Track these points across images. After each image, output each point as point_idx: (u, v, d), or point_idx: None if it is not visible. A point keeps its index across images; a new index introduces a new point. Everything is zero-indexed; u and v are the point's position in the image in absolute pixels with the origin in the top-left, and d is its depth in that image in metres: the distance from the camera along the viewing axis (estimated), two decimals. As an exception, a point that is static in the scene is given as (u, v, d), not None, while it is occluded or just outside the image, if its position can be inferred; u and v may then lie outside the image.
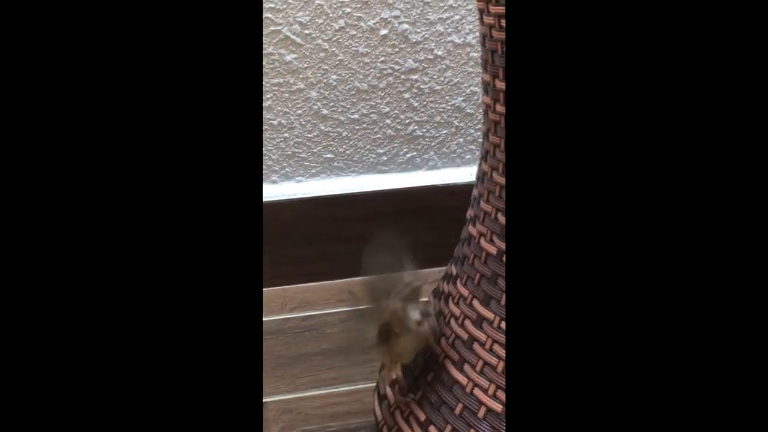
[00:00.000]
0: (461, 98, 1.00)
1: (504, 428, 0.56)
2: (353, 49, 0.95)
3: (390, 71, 0.97)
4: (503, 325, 0.58)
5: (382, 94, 0.98)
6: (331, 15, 0.94)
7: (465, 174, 1.02)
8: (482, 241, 0.61)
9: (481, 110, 0.99)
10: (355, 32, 0.95)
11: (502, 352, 0.57)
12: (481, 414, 0.57)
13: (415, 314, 0.58)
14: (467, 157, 1.02)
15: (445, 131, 1.01)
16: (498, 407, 0.56)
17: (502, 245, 0.58)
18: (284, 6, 0.92)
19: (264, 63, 0.94)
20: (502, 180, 0.59)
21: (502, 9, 0.54)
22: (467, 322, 0.61)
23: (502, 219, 0.59)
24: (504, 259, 0.58)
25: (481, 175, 0.64)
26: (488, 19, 0.57)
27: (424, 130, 1.00)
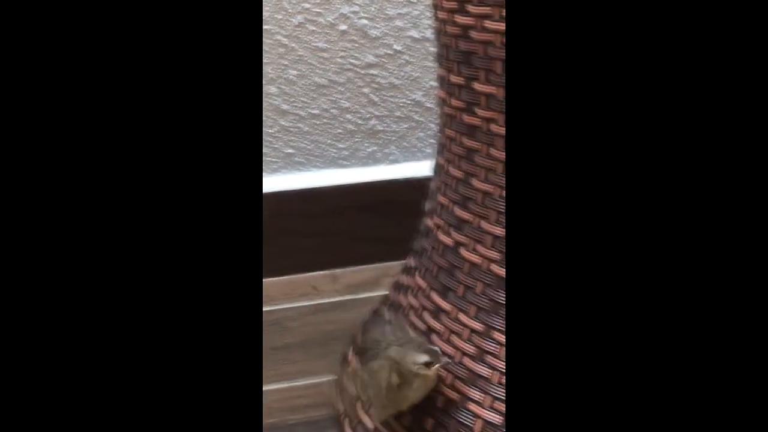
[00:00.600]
0: (421, 93, 1.01)
1: (458, 418, 0.57)
2: (312, 44, 0.96)
3: (349, 66, 0.98)
4: (460, 316, 0.59)
5: (342, 89, 0.98)
6: (290, 11, 0.94)
7: (426, 168, 1.01)
8: (439, 234, 0.62)
9: (440, 105, 1.00)
10: (314, 28, 0.95)
11: (460, 343, 0.58)
12: (439, 403, 0.58)
13: (420, 358, 0.56)
14: (427, 150, 1.03)
15: (405, 125, 1.02)
16: (454, 395, 0.57)
17: (459, 237, 0.59)
18: None
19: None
20: (458, 173, 0.59)
21: (454, 4, 0.55)
22: (425, 314, 0.62)
23: (458, 211, 0.60)
24: (461, 251, 0.59)
25: (438, 169, 0.65)
26: (442, 15, 0.57)
27: (385, 124, 1.01)
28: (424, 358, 0.55)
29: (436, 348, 0.58)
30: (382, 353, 0.59)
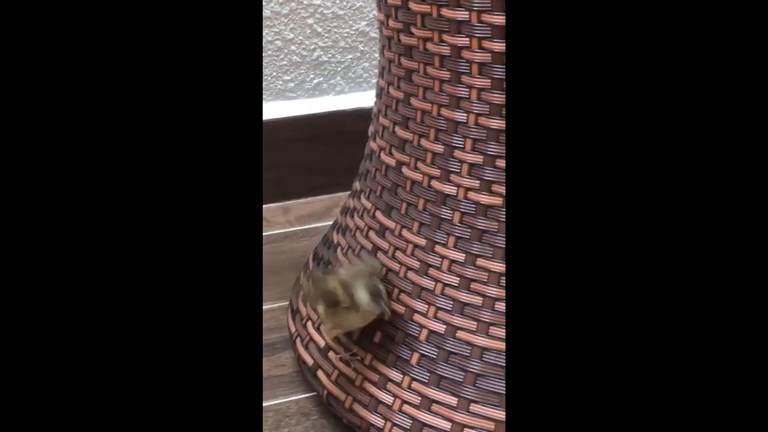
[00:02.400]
0: (365, 22, 1.00)
1: (404, 329, 0.59)
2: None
3: (292, -3, 0.97)
4: (404, 232, 0.60)
5: (286, 20, 0.98)
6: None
7: (372, 98, 1.02)
8: (382, 155, 0.63)
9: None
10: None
11: (404, 258, 0.59)
12: (386, 317, 0.60)
13: (364, 294, 0.56)
14: (373, 81, 1.03)
15: (350, 56, 1.02)
16: (401, 309, 0.59)
17: (401, 156, 0.60)
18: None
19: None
20: (399, 94, 0.60)
21: None
22: (371, 233, 0.64)
23: (399, 132, 0.60)
24: (402, 169, 0.60)
25: (379, 91, 0.65)
26: None
27: (330, 55, 1.01)
28: (368, 301, 0.56)
29: (381, 288, 0.58)
30: (332, 273, 0.60)
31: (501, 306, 0.54)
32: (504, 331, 0.54)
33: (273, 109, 1.01)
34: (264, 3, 0.96)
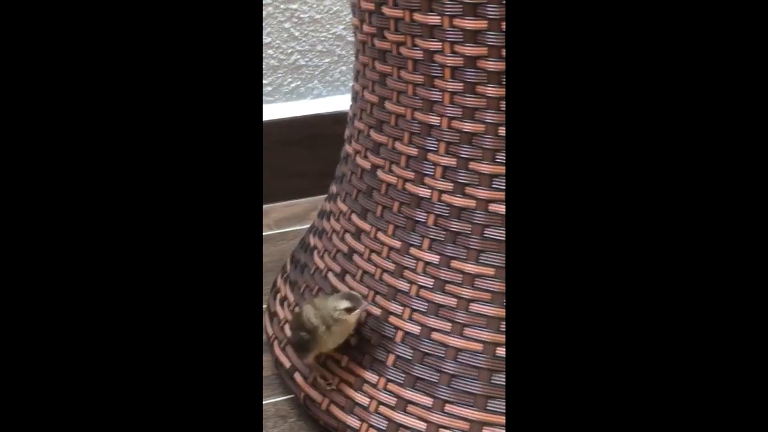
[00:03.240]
0: (342, 26, 1.01)
1: (380, 331, 0.59)
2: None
3: (269, 1, 0.97)
4: (379, 235, 0.60)
5: (263, 24, 0.98)
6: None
7: (349, 101, 1.03)
8: (358, 158, 0.64)
9: (361, 38, 1.00)
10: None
11: (379, 261, 0.60)
12: (362, 319, 0.60)
13: (342, 303, 0.57)
14: (350, 84, 1.03)
15: (327, 60, 1.02)
16: (376, 311, 0.60)
17: (375, 160, 0.61)
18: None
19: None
20: (373, 98, 0.60)
21: None
22: (347, 236, 0.64)
23: (374, 135, 0.61)
24: (377, 173, 0.60)
25: (355, 95, 0.65)
26: None
27: (307, 59, 1.01)
28: (345, 303, 0.57)
29: (357, 294, 0.59)
30: (307, 301, 0.61)
31: (475, 307, 0.55)
32: (478, 332, 0.55)
33: (274, 112, 1.01)
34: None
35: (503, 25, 0.50)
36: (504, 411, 0.54)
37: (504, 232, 0.54)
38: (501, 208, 0.53)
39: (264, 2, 0.97)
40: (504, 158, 0.53)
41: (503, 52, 0.50)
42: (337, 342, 0.58)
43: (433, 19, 0.52)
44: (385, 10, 0.56)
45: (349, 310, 0.57)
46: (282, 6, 0.97)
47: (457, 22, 0.51)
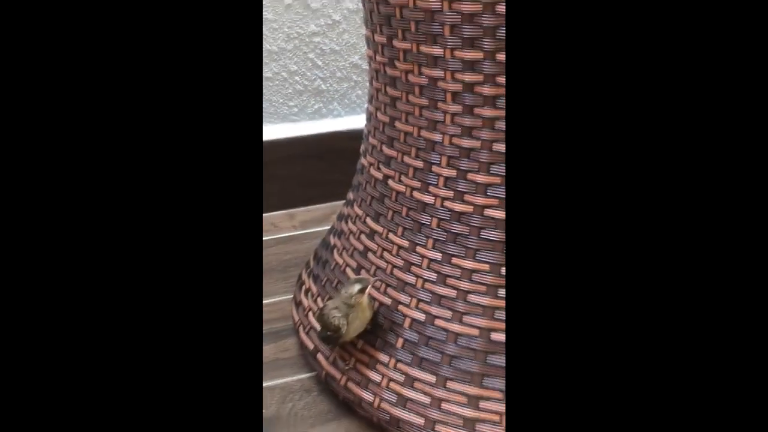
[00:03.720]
0: (357, 56, 1.01)
1: (391, 318, 0.59)
2: (264, 17, 0.95)
3: (296, 35, 0.97)
4: (390, 235, 0.60)
5: (290, 54, 0.98)
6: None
7: (364, 121, 1.03)
8: (371, 170, 0.64)
9: (375, 66, 1.00)
10: (264, 2, 0.94)
11: (390, 258, 0.60)
12: (376, 308, 0.60)
13: (353, 288, 0.57)
14: (365, 106, 1.03)
15: (345, 85, 1.02)
16: (387, 300, 0.60)
17: (387, 171, 0.61)
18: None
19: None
20: (385, 118, 0.60)
21: None
22: (362, 236, 0.64)
23: (386, 150, 0.61)
24: (389, 182, 0.60)
25: (369, 115, 0.65)
26: None
27: (328, 84, 1.01)
28: (357, 286, 0.57)
29: (363, 276, 0.60)
30: (329, 302, 0.60)
31: (472, 298, 0.55)
32: (475, 319, 0.55)
33: (280, 131, 1.00)
34: (272, 40, 0.96)
35: (498, 56, 0.50)
36: (498, 387, 0.54)
37: (498, 233, 0.54)
38: (495, 213, 0.53)
39: (291, 36, 0.97)
40: (497, 170, 0.53)
41: (497, 79, 0.50)
42: (358, 331, 0.58)
43: (437, 51, 0.53)
44: (396, 42, 0.56)
45: (361, 291, 0.56)
46: (307, 39, 0.97)
47: (457, 53, 0.51)
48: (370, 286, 0.57)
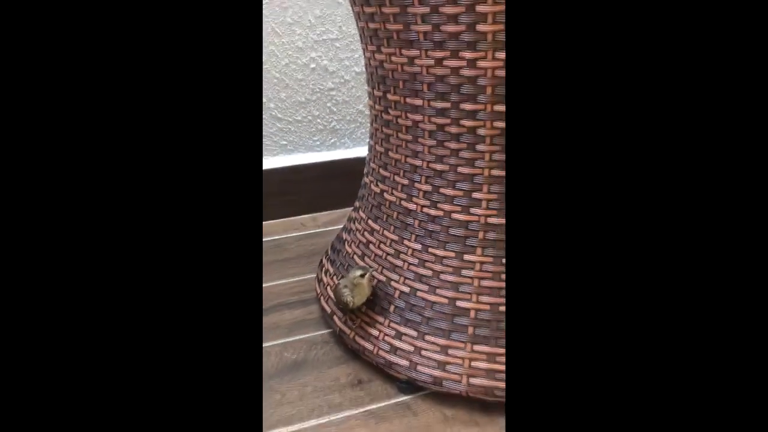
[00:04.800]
0: (362, 105, 1.01)
1: (385, 291, 0.58)
2: (295, 77, 0.95)
3: (318, 90, 0.97)
4: (385, 232, 0.60)
5: (314, 104, 0.98)
6: (279, 56, 0.93)
7: (366, 151, 1.02)
8: (372, 186, 0.63)
9: (374, 112, 1.00)
10: (295, 66, 0.94)
11: (385, 248, 0.59)
12: (374, 284, 0.60)
13: (357, 272, 0.56)
14: (368, 140, 1.03)
15: (353, 125, 1.02)
16: (383, 278, 0.59)
17: (383, 187, 0.60)
18: (250, 51, 0.91)
19: (240, 87, 0.93)
20: (381, 149, 0.60)
21: (374, 47, 0.55)
22: (365, 233, 0.64)
23: (382, 172, 0.60)
24: (384, 194, 0.60)
25: (370, 147, 0.65)
26: (367, 54, 0.58)
27: (341, 125, 1.01)
28: (359, 272, 0.57)
29: (365, 266, 0.60)
30: (341, 281, 0.60)
31: (443, 276, 0.55)
32: (445, 291, 0.54)
33: (307, 158, 1.00)
34: (301, 93, 0.96)
35: (462, 105, 0.50)
36: (461, 339, 0.54)
37: (461, 230, 0.54)
38: (459, 216, 0.53)
39: (314, 91, 0.97)
40: (461, 186, 0.53)
41: (461, 122, 0.51)
42: (361, 302, 0.58)
43: (418, 102, 0.53)
44: (389, 96, 0.56)
45: (362, 276, 0.56)
46: (326, 93, 0.97)
47: (432, 103, 0.52)
48: (369, 273, 0.57)
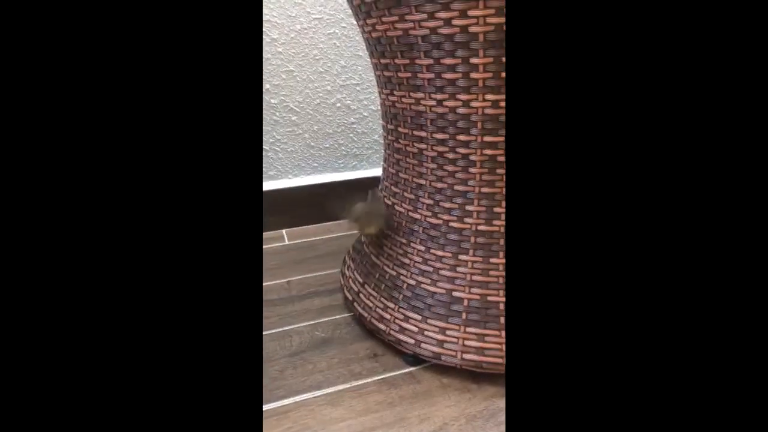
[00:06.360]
0: (377, 136, 1.00)
1: (397, 282, 0.58)
2: (324, 113, 0.95)
3: (342, 124, 0.97)
4: (396, 237, 0.59)
5: (339, 134, 0.98)
6: (312, 97, 0.93)
7: (380, 171, 1.03)
8: (385, 200, 0.63)
9: (387, 141, 1.00)
10: (325, 105, 0.94)
11: (399, 250, 0.59)
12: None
13: (373, 197, 0.57)
14: (382, 163, 1.03)
15: (370, 151, 1.02)
16: (394, 273, 0.59)
17: (394, 200, 0.60)
18: (286, 91, 0.91)
19: (281, 128, 0.93)
20: (393, 170, 0.60)
21: (388, 91, 0.55)
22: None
23: (393, 188, 0.60)
24: (395, 206, 0.59)
25: (384, 169, 0.64)
26: (382, 96, 0.57)
27: (361, 151, 1.01)
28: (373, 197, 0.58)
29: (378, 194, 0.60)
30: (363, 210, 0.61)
31: (442, 272, 0.54)
32: (443, 284, 0.54)
33: (334, 177, 1.00)
34: (328, 126, 0.96)
35: (457, 137, 0.50)
36: (456, 323, 0.53)
37: (456, 236, 0.53)
38: (455, 224, 0.53)
39: (339, 125, 0.97)
40: (457, 200, 0.52)
41: (457, 149, 0.50)
42: (376, 229, 0.58)
43: (423, 134, 0.52)
44: (399, 129, 0.56)
45: (375, 202, 0.57)
46: (348, 126, 0.98)
47: (434, 135, 0.51)
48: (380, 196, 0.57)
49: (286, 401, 0.52)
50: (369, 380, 0.55)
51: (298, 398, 0.52)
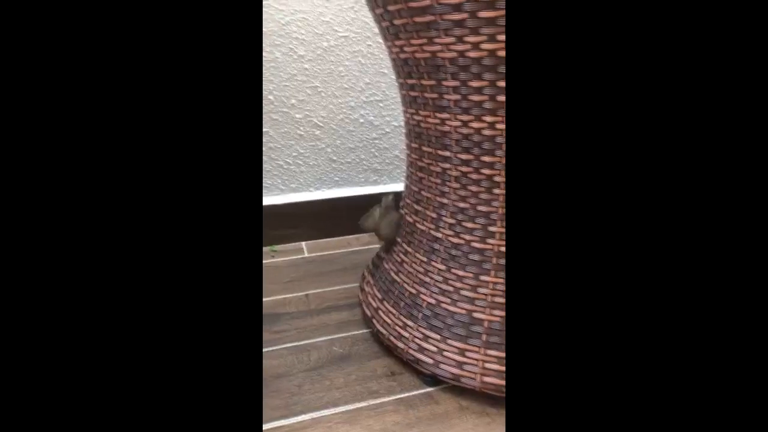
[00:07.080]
0: (398, 151, 1.01)
1: (416, 301, 0.58)
2: (347, 128, 0.96)
3: (365, 139, 0.98)
4: (417, 254, 0.59)
5: (361, 150, 0.98)
6: (335, 112, 0.95)
7: (401, 187, 1.03)
8: (406, 216, 0.62)
9: (408, 157, 1.00)
10: (348, 120, 0.95)
11: (416, 267, 0.58)
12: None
13: (387, 201, 0.60)
14: (404, 180, 1.03)
15: (391, 167, 1.02)
16: (414, 291, 0.59)
17: (415, 218, 0.60)
18: (310, 106, 0.93)
19: (305, 142, 0.95)
20: (415, 188, 0.60)
21: (413, 110, 0.56)
22: (400, 253, 0.63)
23: (415, 206, 0.60)
24: (416, 224, 0.59)
25: (406, 186, 0.65)
26: (407, 115, 0.58)
27: (382, 166, 1.01)
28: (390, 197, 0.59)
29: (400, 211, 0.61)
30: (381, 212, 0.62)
31: (462, 292, 0.54)
32: (464, 304, 0.53)
33: (356, 191, 1.00)
34: (350, 142, 0.97)
35: (481, 158, 0.49)
36: (476, 344, 0.52)
37: (477, 256, 0.53)
38: (477, 244, 0.53)
39: (362, 140, 0.98)
40: (480, 221, 0.52)
41: (481, 170, 0.50)
42: (387, 231, 0.61)
43: (447, 154, 0.53)
44: (423, 147, 0.56)
45: (389, 210, 0.60)
46: (370, 142, 0.98)
47: (458, 155, 0.51)
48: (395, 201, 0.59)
49: (303, 417, 0.51)
50: (387, 399, 0.54)
51: (315, 414, 0.52)
